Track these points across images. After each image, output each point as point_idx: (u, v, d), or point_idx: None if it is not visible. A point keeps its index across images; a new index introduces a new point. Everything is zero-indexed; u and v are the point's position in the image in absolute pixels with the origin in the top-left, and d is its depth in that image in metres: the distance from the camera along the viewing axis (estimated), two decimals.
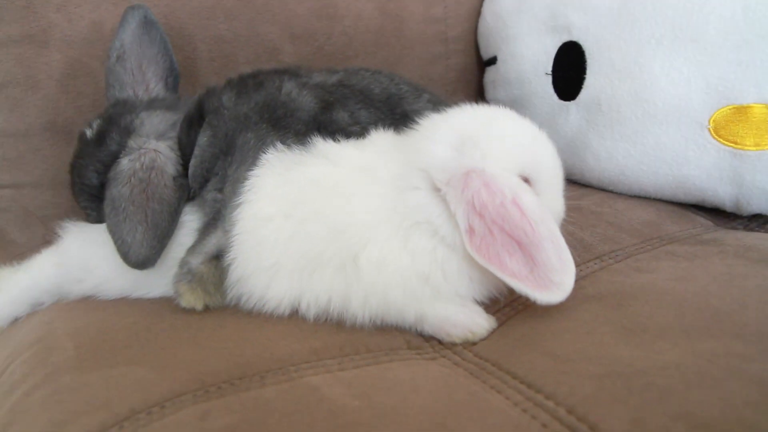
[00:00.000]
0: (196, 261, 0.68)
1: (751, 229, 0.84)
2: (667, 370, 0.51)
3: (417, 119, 0.82)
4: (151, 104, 0.78)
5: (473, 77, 1.14)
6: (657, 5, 0.81)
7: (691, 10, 0.78)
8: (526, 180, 0.64)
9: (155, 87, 0.81)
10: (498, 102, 1.05)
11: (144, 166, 0.72)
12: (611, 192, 0.92)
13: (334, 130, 0.76)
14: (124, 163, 0.72)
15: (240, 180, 0.71)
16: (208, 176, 0.73)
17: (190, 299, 0.66)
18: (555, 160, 0.67)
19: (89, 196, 0.76)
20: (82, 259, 0.75)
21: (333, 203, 0.66)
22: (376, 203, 0.65)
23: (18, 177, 0.86)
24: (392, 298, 0.63)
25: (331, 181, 0.68)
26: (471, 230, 0.61)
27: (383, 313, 0.64)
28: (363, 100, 0.81)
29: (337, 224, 0.65)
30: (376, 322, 0.64)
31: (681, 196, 0.86)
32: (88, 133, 0.76)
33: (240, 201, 0.70)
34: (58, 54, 0.84)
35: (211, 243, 0.68)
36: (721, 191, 0.81)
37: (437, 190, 0.64)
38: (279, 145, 0.73)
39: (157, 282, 0.72)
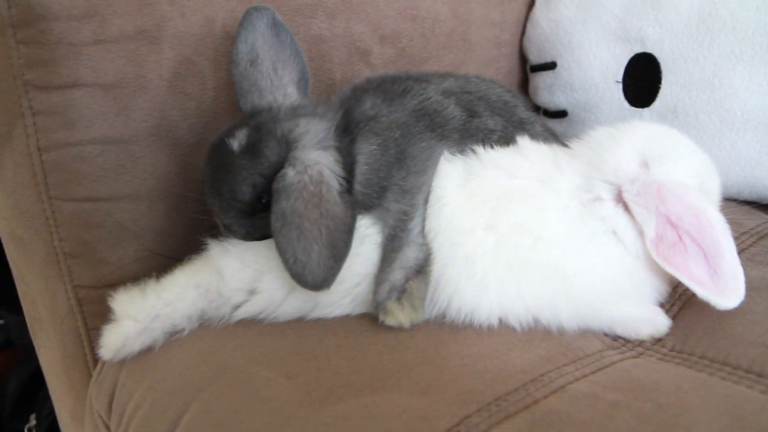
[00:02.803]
0: (398, 277, 0.65)
1: None
2: None
3: (530, 127, 0.86)
4: (299, 111, 0.73)
5: (515, 80, 1.18)
6: (737, 24, 0.91)
7: None
8: None
9: (291, 91, 0.75)
10: (555, 105, 1.10)
11: (313, 180, 0.67)
12: None
13: (480, 139, 0.77)
14: (291, 174, 0.67)
15: (423, 192, 0.70)
16: (385, 185, 0.70)
17: (399, 316, 0.64)
18: (718, 176, 0.73)
19: (238, 213, 0.69)
20: (245, 281, 0.69)
21: (531, 216, 0.68)
22: (567, 215, 0.68)
23: (116, 188, 0.76)
24: (596, 305, 0.67)
25: (520, 193, 0.69)
26: (659, 239, 0.66)
27: (588, 319, 0.67)
28: (487, 108, 0.82)
29: (540, 236, 0.67)
30: (581, 327, 0.67)
31: (746, 194, 0.97)
32: (235, 144, 0.69)
33: (430, 213, 0.69)
34: (169, 51, 0.75)
35: (410, 257, 0.66)
36: None
37: (620, 201, 0.68)
38: (447, 155, 0.73)
39: (341, 300, 0.68)
